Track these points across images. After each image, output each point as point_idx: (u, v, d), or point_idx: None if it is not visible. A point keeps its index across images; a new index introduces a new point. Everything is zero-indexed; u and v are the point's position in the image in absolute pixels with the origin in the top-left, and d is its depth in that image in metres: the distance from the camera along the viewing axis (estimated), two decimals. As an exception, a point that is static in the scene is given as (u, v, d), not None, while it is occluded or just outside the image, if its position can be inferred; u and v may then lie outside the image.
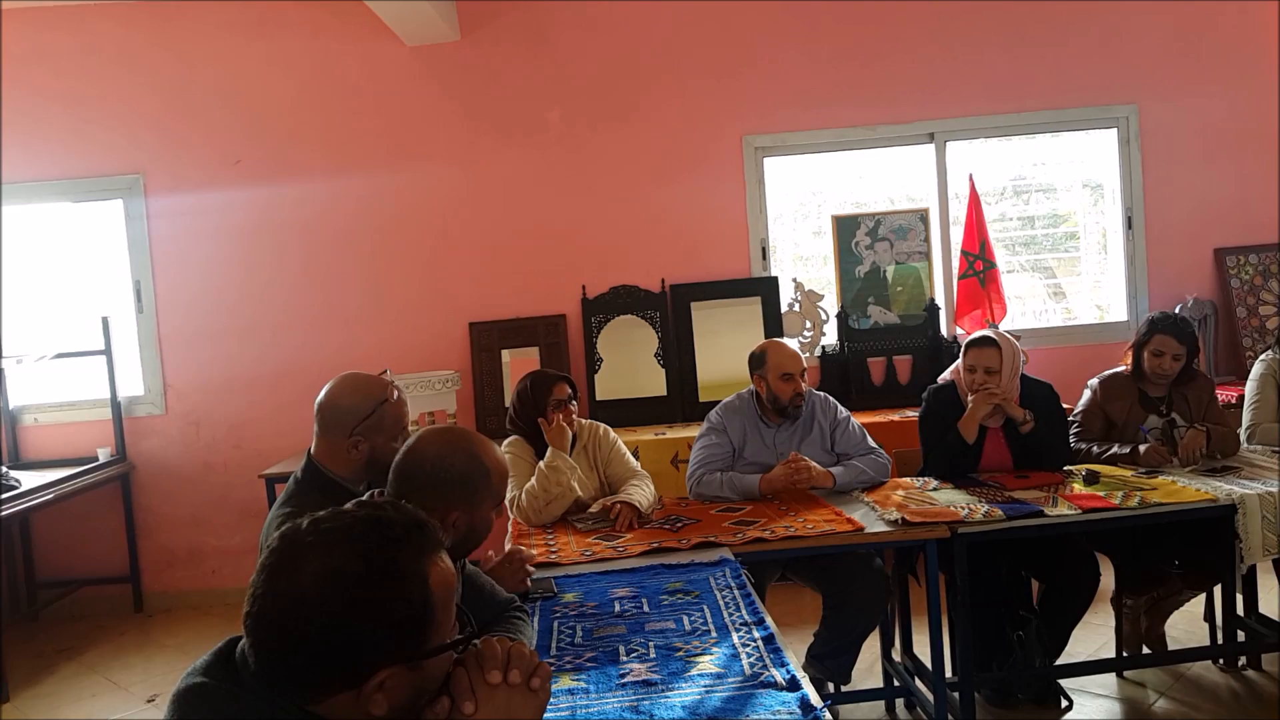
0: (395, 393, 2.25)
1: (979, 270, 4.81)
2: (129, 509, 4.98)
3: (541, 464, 2.98)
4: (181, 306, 5.02)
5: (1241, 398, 3.57)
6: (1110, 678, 3.43)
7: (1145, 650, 3.41)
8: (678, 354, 4.97)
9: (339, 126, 5.00)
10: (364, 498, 1.29)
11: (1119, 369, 3.52)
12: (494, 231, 5.03)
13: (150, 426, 5.04)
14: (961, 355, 3.37)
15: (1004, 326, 4.67)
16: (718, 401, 3.47)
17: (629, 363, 4.98)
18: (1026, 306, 5.27)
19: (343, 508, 1.13)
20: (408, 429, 2.26)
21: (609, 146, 5.02)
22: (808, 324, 5.03)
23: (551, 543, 2.79)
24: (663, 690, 1.73)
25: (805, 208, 5.27)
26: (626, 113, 5.01)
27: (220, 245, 5.02)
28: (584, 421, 3.25)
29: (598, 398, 4.89)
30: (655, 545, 2.66)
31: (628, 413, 4.81)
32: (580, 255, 5.03)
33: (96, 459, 4.82)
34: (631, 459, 3.28)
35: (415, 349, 5.00)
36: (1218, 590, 3.45)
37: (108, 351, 4.83)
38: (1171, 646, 3.43)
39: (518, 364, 4.92)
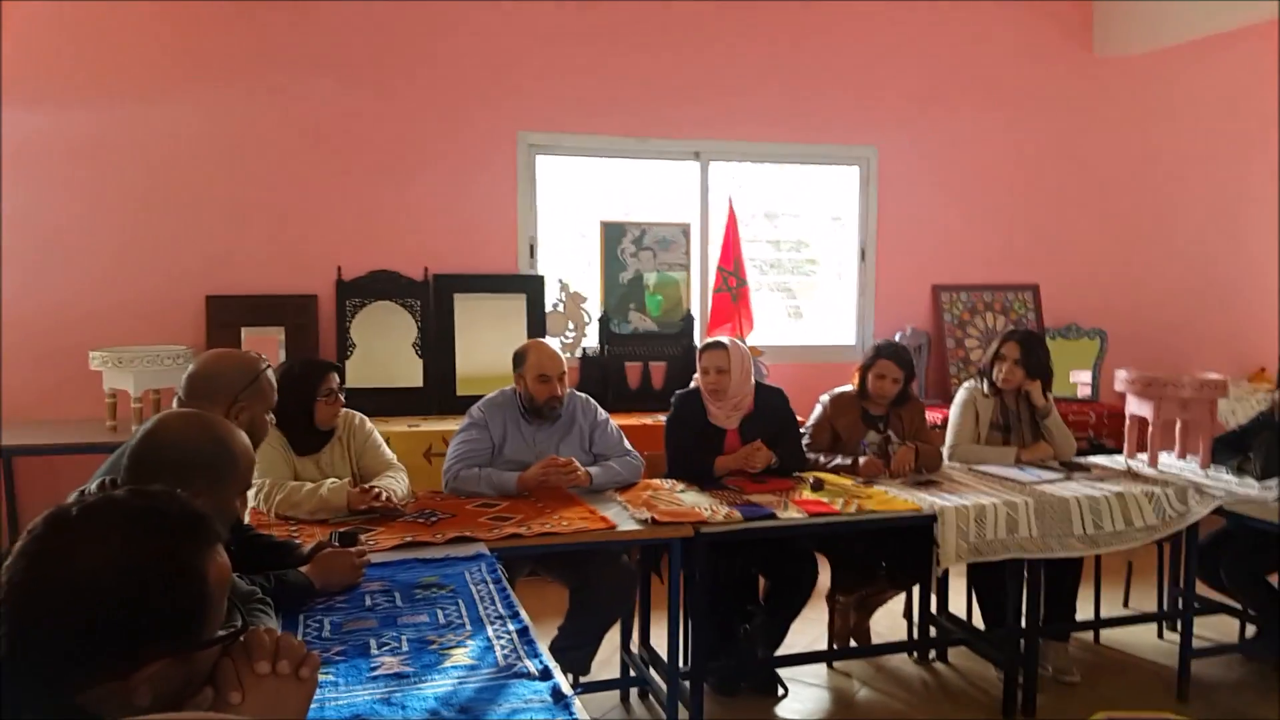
0: (268, 366, 2.36)
1: (732, 286, 5.10)
2: None
3: (323, 491, 2.86)
4: None
5: (947, 420, 4.03)
6: (821, 668, 3.75)
7: (852, 643, 3.76)
8: (437, 345, 4.91)
9: (67, 48, 4.47)
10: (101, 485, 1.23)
11: (847, 388, 3.87)
12: (243, 197, 4.69)
13: None
14: (697, 360, 3.61)
15: (750, 340, 4.99)
16: (476, 396, 3.48)
17: (385, 351, 4.86)
18: (770, 324, 5.64)
19: (114, 493, 1.08)
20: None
21: (377, 123, 4.86)
22: (570, 325, 5.12)
23: (295, 534, 2.69)
24: (415, 682, 1.73)
25: (574, 210, 5.36)
26: (398, 90, 4.87)
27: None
28: (341, 410, 3.15)
29: (348, 385, 4.70)
30: (409, 540, 2.63)
31: (380, 402, 4.67)
32: (338, 234, 4.83)
33: None
34: (388, 450, 3.22)
35: (141, 319, 4.57)
36: (916, 591, 3.86)
37: None
38: (875, 641, 3.81)
39: (258, 343, 4.63)
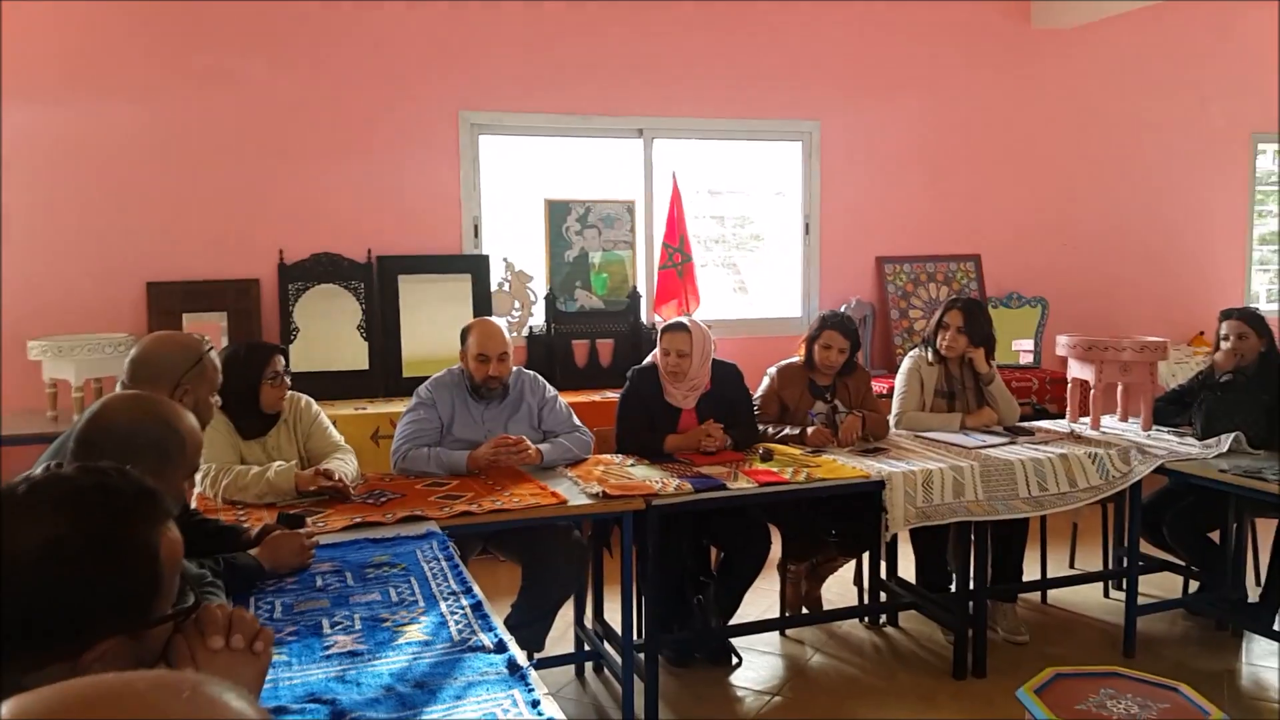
0: (210, 348, 2.36)
1: (678, 263, 5.11)
2: None
3: (270, 475, 2.81)
4: None
5: (892, 389, 4.08)
6: (774, 636, 3.80)
7: (804, 611, 3.81)
8: (382, 327, 4.84)
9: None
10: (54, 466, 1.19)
11: (794, 359, 3.90)
12: (182, 183, 4.58)
13: None
14: (658, 340, 3.60)
15: (696, 316, 5.00)
16: (422, 377, 3.45)
17: (329, 334, 4.78)
18: (716, 299, 5.65)
19: (61, 471, 1.05)
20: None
21: (317, 105, 4.76)
22: (516, 304, 5.09)
23: (243, 518, 2.64)
24: (369, 659, 1.71)
25: (519, 189, 5.31)
26: (337, 71, 4.77)
27: None
28: (287, 393, 3.10)
29: (292, 369, 4.62)
30: (358, 520, 2.60)
31: (326, 385, 4.59)
32: (278, 217, 4.73)
33: None
34: (335, 433, 3.18)
35: (81, 307, 4.45)
36: (866, 557, 3.92)
37: None
38: (826, 607, 3.86)
39: (200, 329, 4.53)
